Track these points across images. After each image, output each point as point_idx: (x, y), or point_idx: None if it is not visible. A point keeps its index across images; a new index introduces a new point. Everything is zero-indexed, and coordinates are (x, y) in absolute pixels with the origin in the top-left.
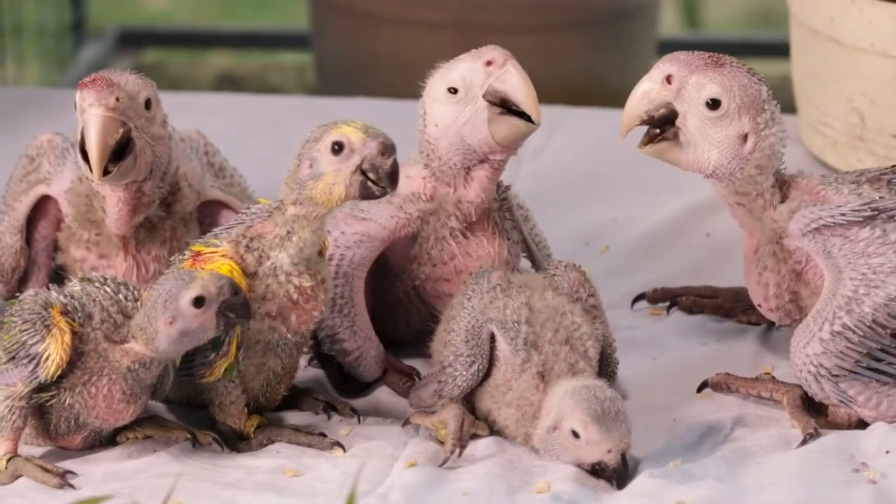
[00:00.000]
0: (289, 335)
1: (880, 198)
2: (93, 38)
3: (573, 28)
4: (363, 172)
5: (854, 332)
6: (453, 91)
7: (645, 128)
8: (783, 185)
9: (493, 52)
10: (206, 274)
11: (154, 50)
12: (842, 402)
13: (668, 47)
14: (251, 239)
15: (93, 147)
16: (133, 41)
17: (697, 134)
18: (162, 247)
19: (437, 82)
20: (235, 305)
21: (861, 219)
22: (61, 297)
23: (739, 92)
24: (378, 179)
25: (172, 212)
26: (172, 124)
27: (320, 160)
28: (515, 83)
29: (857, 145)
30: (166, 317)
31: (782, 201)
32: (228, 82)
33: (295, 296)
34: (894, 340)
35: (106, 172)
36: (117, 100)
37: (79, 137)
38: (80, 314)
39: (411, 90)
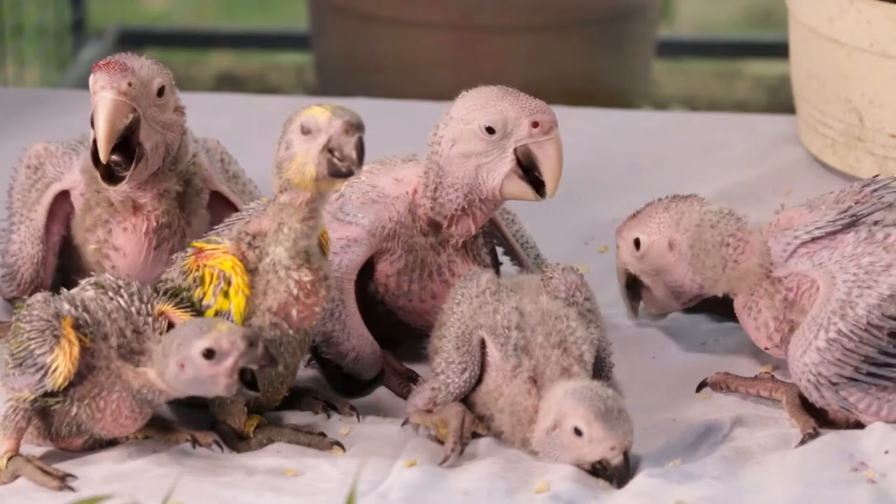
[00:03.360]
0: (290, 331)
1: (855, 204)
2: (93, 38)
3: (573, 28)
4: (330, 151)
5: (850, 338)
6: (490, 131)
7: None
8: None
9: (543, 114)
10: (226, 326)
11: (154, 50)
12: (843, 408)
13: (667, 47)
14: (253, 236)
15: (100, 130)
16: (133, 41)
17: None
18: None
19: (477, 113)
20: (255, 358)
21: (841, 227)
22: (73, 310)
23: (645, 222)
24: (342, 158)
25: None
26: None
27: (293, 141)
28: (551, 156)
29: (855, 145)
30: (178, 359)
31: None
32: (228, 82)
33: (295, 290)
34: (892, 340)
35: (116, 179)
36: (129, 84)
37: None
38: (91, 329)
39: (411, 90)
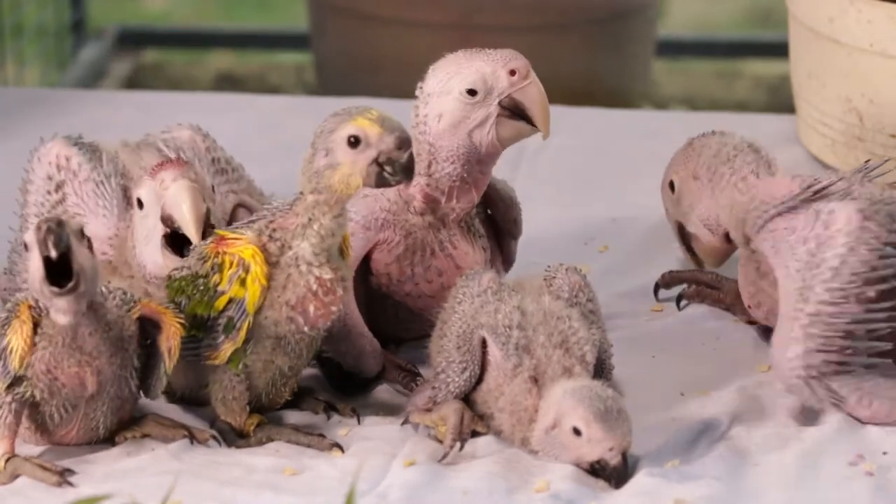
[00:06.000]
0: (305, 328)
1: (816, 179)
2: (93, 38)
3: (573, 28)
4: (379, 164)
5: (821, 318)
6: (472, 93)
7: None
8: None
9: (516, 60)
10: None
11: (154, 50)
12: (834, 403)
13: (667, 47)
14: (274, 230)
15: (191, 216)
16: (133, 41)
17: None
18: None
19: (454, 80)
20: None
21: (799, 202)
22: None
23: (674, 164)
24: (394, 173)
25: None
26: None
27: (336, 151)
28: (535, 98)
29: (855, 145)
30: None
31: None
32: (228, 82)
33: (315, 286)
34: (864, 305)
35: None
36: (195, 175)
37: (154, 224)
38: (45, 308)
39: (411, 90)
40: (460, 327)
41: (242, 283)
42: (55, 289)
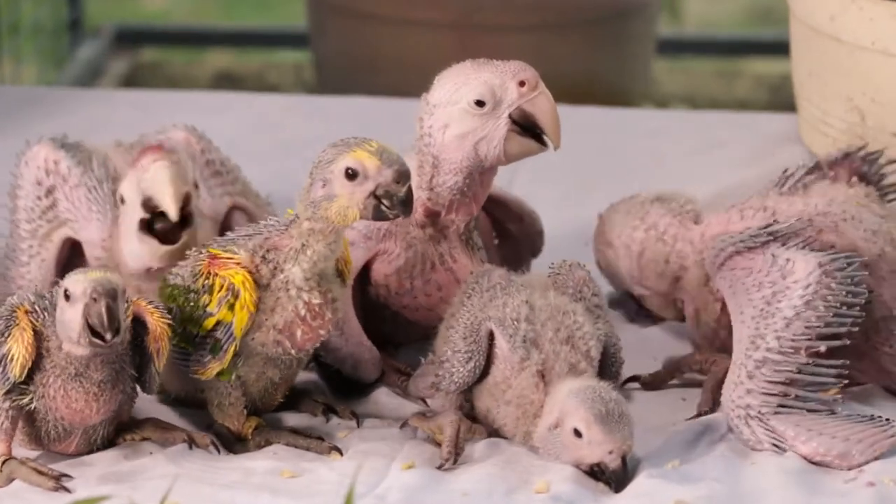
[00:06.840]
0: (292, 351)
1: (774, 221)
2: (90, 36)
3: (573, 28)
4: (377, 197)
5: (766, 364)
6: (480, 104)
7: None
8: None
9: (525, 72)
10: (95, 273)
11: (152, 49)
12: (774, 444)
13: (668, 46)
14: (267, 250)
15: (169, 190)
16: (130, 40)
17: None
18: None
19: (462, 91)
20: (96, 315)
21: (758, 244)
22: (30, 296)
23: (596, 239)
24: (392, 206)
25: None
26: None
27: (334, 182)
28: (546, 109)
29: (857, 143)
30: (61, 304)
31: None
32: (227, 81)
33: (303, 311)
34: (812, 357)
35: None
36: (177, 158)
37: (134, 218)
38: (43, 314)
39: (410, 89)
40: (468, 318)
41: (231, 307)
42: (98, 341)
